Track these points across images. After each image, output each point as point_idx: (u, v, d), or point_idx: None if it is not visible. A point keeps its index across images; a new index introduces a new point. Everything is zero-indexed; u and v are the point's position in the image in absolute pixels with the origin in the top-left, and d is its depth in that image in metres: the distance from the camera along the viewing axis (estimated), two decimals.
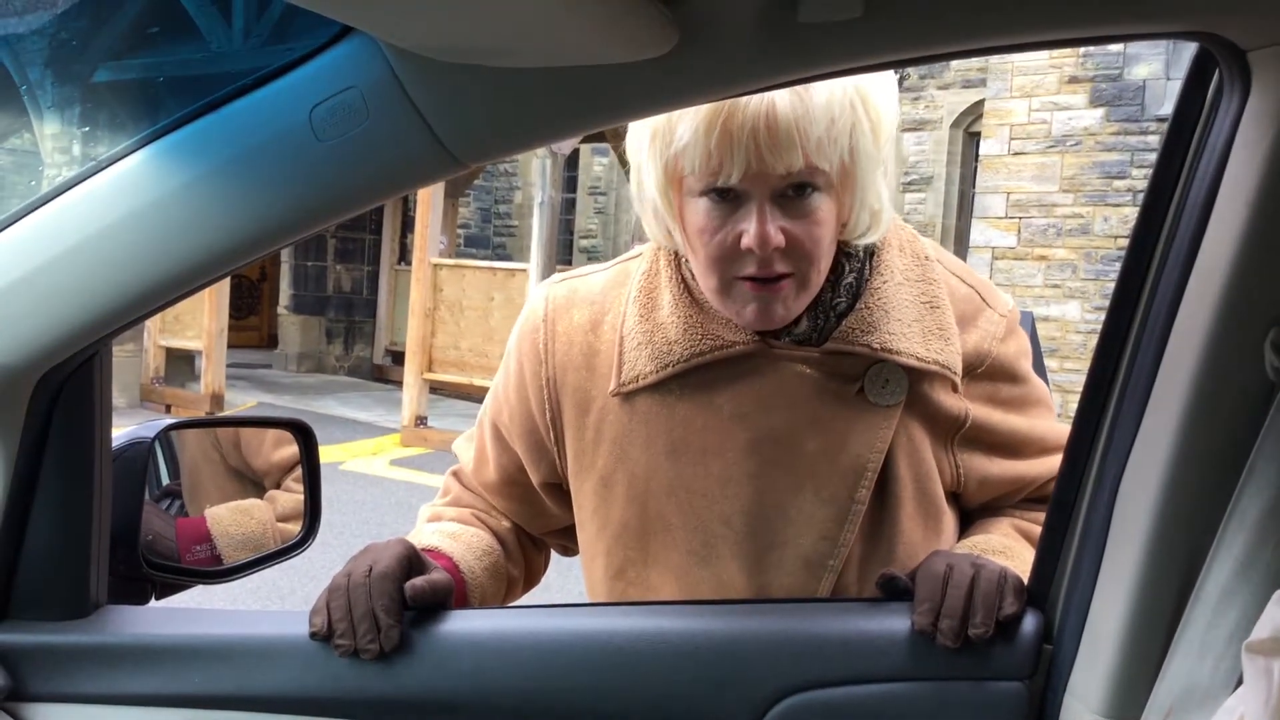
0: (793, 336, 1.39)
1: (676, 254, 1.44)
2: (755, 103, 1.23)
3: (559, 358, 1.46)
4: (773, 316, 1.34)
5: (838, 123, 1.26)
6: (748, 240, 1.28)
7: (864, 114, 1.29)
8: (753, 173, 1.26)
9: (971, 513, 1.52)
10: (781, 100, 1.24)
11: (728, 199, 1.29)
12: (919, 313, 1.40)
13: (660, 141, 1.31)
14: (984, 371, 1.43)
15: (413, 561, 1.32)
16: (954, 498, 1.48)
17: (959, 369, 1.40)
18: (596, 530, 1.47)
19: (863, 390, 1.37)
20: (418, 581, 1.28)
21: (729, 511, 1.39)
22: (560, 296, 1.50)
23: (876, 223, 1.37)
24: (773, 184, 1.27)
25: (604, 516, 1.46)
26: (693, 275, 1.41)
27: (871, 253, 1.42)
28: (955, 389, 1.41)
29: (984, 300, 1.46)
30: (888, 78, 1.35)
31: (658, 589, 1.43)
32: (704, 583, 1.40)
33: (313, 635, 1.25)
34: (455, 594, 1.41)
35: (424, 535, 1.50)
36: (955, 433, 1.43)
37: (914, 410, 1.39)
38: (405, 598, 1.27)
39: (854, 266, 1.40)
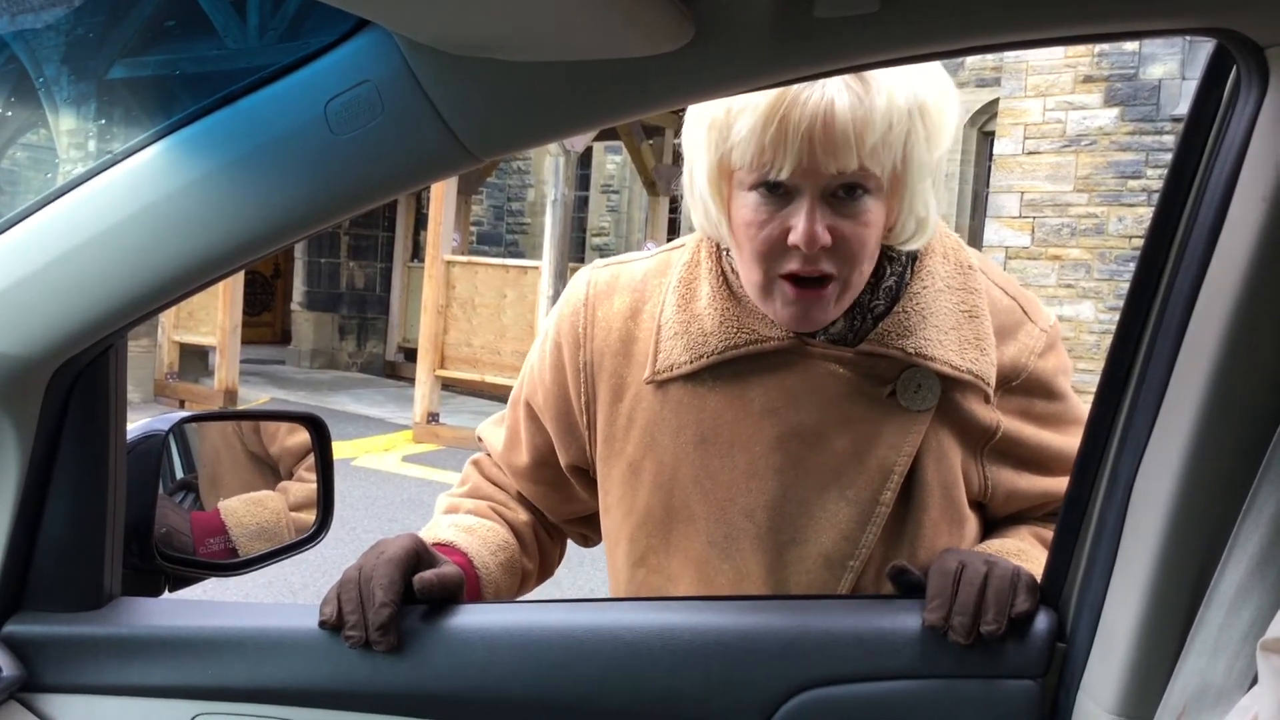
0: (828, 335, 1.39)
1: (718, 246, 1.44)
2: (815, 101, 1.23)
3: (597, 342, 1.47)
4: (812, 319, 1.34)
5: (895, 129, 1.26)
6: (795, 237, 1.28)
7: (920, 123, 1.29)
8: (804, 169, 1.26)
9: (996, 522, 1.51)
10: (840, 101, 1.23)
11: (777, 194, 1.30)
12: (957, 321, 1.39)
13: (716, 134, 1.31)
14: (1019, 385, 1.43)
15: (421, 555, 1.32)
16: (979, 506, 1.47)
17: (993, 380, 1.39)
18: (621, 516, 1.48)
19: (894, 393, 1.37)
20: (426, 575, 1.28)
21: (752, 505, 1.39)
22: (602, 282, 1.51)
23: (922, 230, 1.37)
24: (823, 182, 1.27)
25: (629, 503, 1.46)
26: (733, 269, 1.41)
27: (914, 257, 1.41)
28: (988, 400, 1.40)
29: (1026, 313, 1.45)
30: (950, 87, 1.34)
31: (678, 578, 1.44)
32: (724, 575, 1.41)
33: (322, 624, 1.25)
34: (469, 589, 1.41)
35: (439, 530, 1.51)
36: (985, 444, 1.42)
37: (945, 418, 1.39)
38: (410, 586, 1.27)
39: (895, 270, 1.40)
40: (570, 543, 1.71)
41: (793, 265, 1.30)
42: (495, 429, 1.64)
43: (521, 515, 1.59)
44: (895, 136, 1.27)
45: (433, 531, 1.50)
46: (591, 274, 1.53)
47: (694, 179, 1.39)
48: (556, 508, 1.61)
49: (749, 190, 1.31)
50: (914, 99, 1.28)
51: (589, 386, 1.48)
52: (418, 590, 1.27)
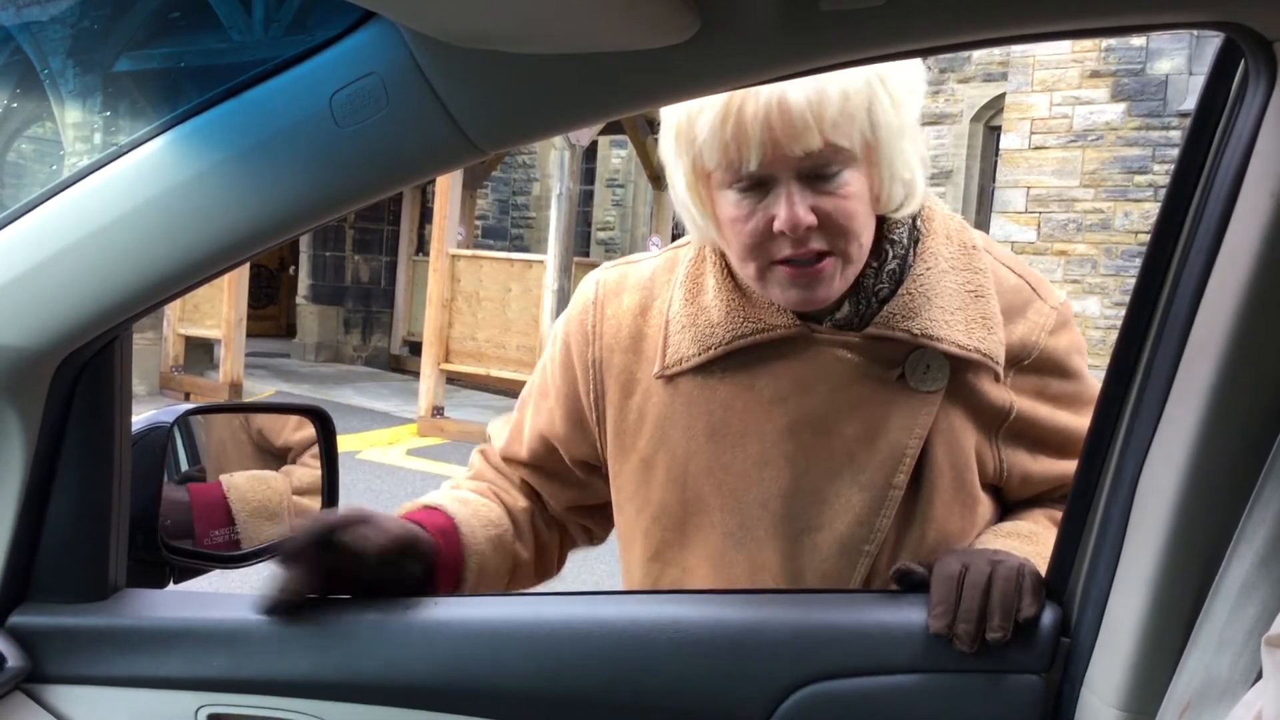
0: (834, 321, 1.39)
1: None
2: (768, 89, 1.24)
3: (606, 339, 1.48)
4: (816, 297, 1.34)
5: (852, 99, 1.26)
6: (779, 224, 1.28)
7: (881, 87, 1.29)
8: (770, 157, 1.27)
9: (1011, 505, 1.51)
10: (793, 84, 1.24)
11: (755, 186, 1.30)
12: (963, 301, 1.39)
13: (684, 140, 1.33)
14: (1031, 364, 1.42)
15: (360, 516, 1.31)
16: (994, 490, 1.47)
17: (1001, 359, 1.39)
18: (635, 512, 1.48)
19: (903, 376, 1.37)
20: (358, 530, 1.28)
21: (766, 494, 1.39)
22: (611, 281, 1.52)
23: (912, 192, 1.37)
24: (795, 166, 1.28)
25: (643, 498, 1.47)
26: None
27: (916, 240, 1.41)
28: (998, 379, 1.40)
29: (1034, 291, 1.45)
30: None
31: (694, 571, 1.44)
32: (740, 566, 1.41)
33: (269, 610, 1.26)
34: (451, 555, 1.42)
35: (429, 496, 1.51)
36: (1000, 425, 1.42)
37: (956, 399, 1.39)
38: (345, 547, 1.27)
39: (898, 253, 1.40)
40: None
41: (785, 251, 1.31)
42: (504, 426, 1.65)
43: (520, 501, 1.58)
44: (855, 106, 1.27)
45: (426, 497, 1.50)
46: (600, 275, 1.54)
47: (675, 188, 1.40)
48: (559, 494, 1.60)
49: (728, 188, 1.32)
50: (870, 67, 1.27)
51: (598, 384, 1.48)
52: (353, 544, 1.26)
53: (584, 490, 1.59)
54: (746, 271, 1.36)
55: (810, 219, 1.28)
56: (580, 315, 1.51)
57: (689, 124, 1.30)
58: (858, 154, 1.30)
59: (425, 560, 1.36)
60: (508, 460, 1.61)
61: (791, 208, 1.28)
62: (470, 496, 1.53)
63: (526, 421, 1.58)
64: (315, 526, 1.28)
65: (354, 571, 1.29)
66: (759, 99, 1.24)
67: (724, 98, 1.25)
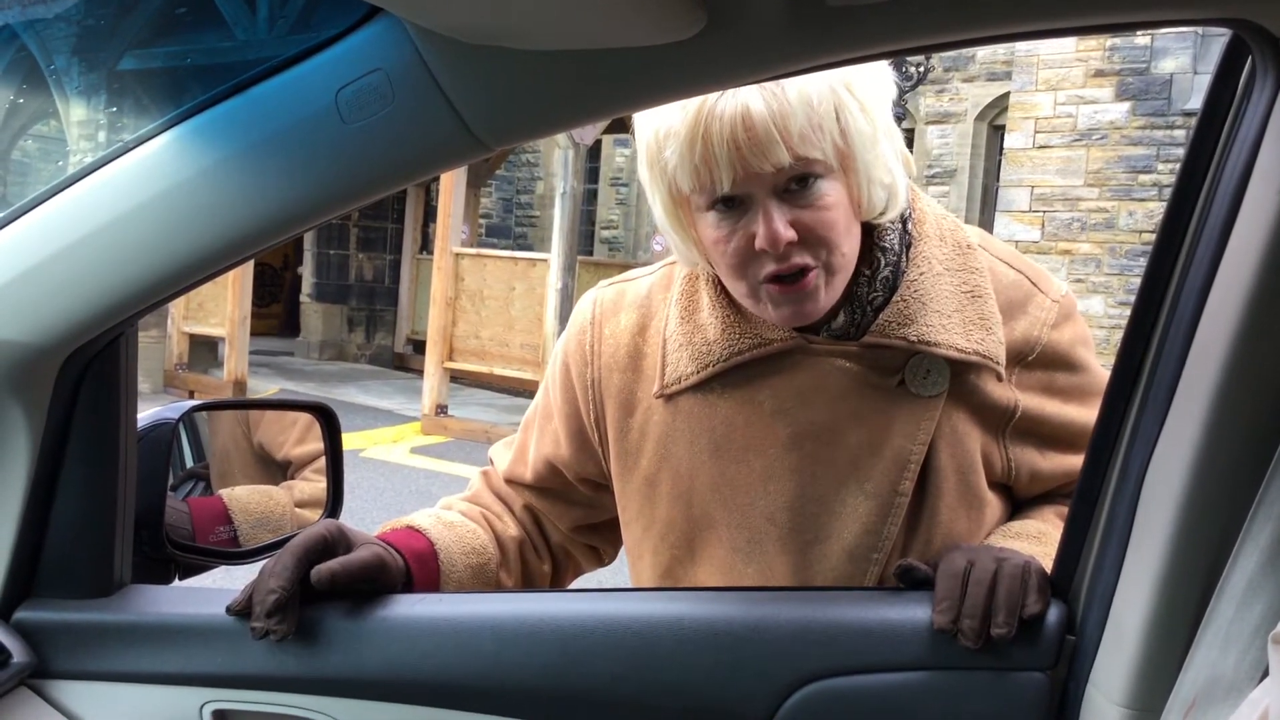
0: (830, 332, 1.38)
1: None
2: (730, 109, 1.24)
3: (605, 359, 1.48)
4: (806, 313, 1.34)
5: (818, 110, 1.26)
6: (759, 242, 1.28)
7: (847, 94, 1.28)
8: (742, 176, 1.27)
9: (1023, 502, 1.50)
10: (755, 102, 1.24)
11: (733, 206, 1.30)
12: (959, 303, 1.38)
13: (656, 169, 1.33)
14: (1036, 359, 1.41)
15: (333, 542, 1.30)
16: (1004, 488, 1.46)
17: (1002, 358, 1.38)
18: (642, 530, 1.48)
19: (904, 382, 1.37)
20: (323, 565, 1.26)
21: (773, 507, 1.39)
22: (608, 300, 1.52)
23: (894, 196, 1.36)
24: (770, 182, 1.28)
25: (649, 516, 1.47)
26: None
27: (908, 245, 1.41)
28: (1001, 379, 1.39)
29: (1034, 285, 1.44)
30: None
31: (705, 586, 1.44)
32: (750, 579, 1.41)
33: (228, 610, 1.25)
34: (428, 581, 1.40)
35: (416, 515, 1.50)
36: (1005, 424, 1.41)
37: (959, 401, 1.38)
38: (309, 576, 1.25)
39: (889, 260, 1.39)
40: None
41: (769, 268, 1.30)
42: (505, 451, 1.64)
43: (511, 530, 1.56)
44: (822, 116, 1.26)
45: (409, 517, 1.49)
46: (597, 294, 1.54)
47: (656, 214, 1.41)
48: (564, 515, 1.59)
49: (707, 210, 1.32)
50: (834, 75, 1.27)
51: (597, 404, 1.49)
52: (314, 581, 1.25)
53: (591, 509, 1.58)
54: (737, 290, 1.36)
55: (789, 234, 1.28)
56: (578, 335, 1.51)
57: (658, 151, 1.30)
58: (832, 163, 1.29)
59: (392, 589, 1.33)
60: (511, 483, 1.60)
61: (770, 224, 1.27)
62: (457, 520, 1.52)
63: (531, 444, 1.58)
64: (289, 568, 1.25)
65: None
66: (722, 120, 1.24)
67: (689, 122, 1.25)
